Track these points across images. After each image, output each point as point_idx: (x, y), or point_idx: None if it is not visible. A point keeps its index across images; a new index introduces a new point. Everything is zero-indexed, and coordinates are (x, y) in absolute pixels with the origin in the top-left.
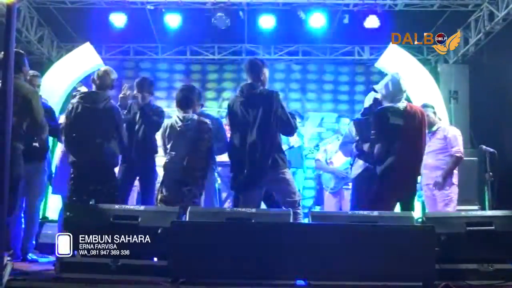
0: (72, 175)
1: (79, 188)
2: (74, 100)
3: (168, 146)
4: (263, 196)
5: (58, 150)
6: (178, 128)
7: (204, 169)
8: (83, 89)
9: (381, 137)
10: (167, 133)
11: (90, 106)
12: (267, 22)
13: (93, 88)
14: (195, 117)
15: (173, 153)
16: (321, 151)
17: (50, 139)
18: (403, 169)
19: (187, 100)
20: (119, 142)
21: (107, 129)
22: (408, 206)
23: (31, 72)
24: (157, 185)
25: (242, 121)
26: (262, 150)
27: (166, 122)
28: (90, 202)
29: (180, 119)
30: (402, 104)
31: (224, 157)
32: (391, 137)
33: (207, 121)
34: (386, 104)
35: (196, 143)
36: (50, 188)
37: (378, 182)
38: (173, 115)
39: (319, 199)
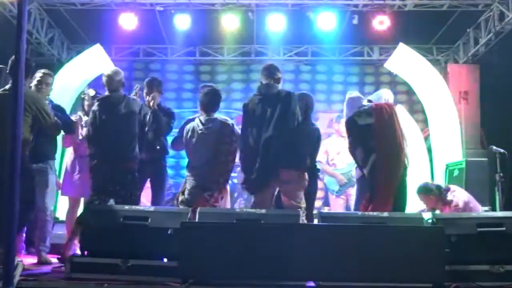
0: (93, 176)
1: (100, 189)
2: (95, 108)
3: (190, 149)
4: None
5: (67, 152)
6: (199, 131)
7: (227, 173)
8: (91, 92)
9: (357, 141)
10: (188, 136)
11: (112, 111)
12: (276, 23)
13: (106, 92)
14: (218, 119)
15: (194, 156)
16: (321, 152)
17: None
18: (385, 164)
19: (211, 103)
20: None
21: (130, 131)
22: (398, 202)
23: (43, 70)
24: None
25: (260, 118)
26: (278, 147)
27: (188, 125)
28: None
29: (201, 122)
30: (366, 106)
31: None
32: (366, 137)
33: (230, 123)
34: None
35: (218, 147)
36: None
37: (369, 182)
38: (196, 117)
39: (327, 200)
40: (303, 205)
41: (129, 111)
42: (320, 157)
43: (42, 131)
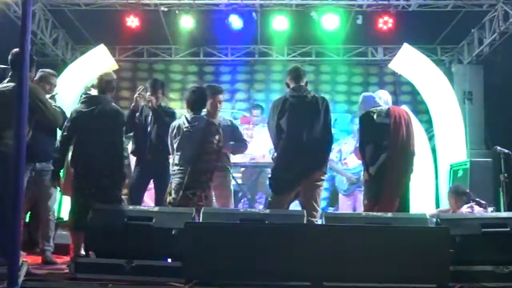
0: (74, 177)
1: (80, 189)
2: (77, 105)
3: (175, 147)
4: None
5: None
6: (185, 129)
7: (210, 172)
8: (93, 91)
9: (369, 138)
10: (173, 133)
11: (88, 110)
12: (280, 23)
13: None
14: (204, 117)
15: (179, 154)
16: (335, 151)
17: None
18: (395, 166)
19: (197, 101)
20: (121, 144)
21: (106, 132)
22: (403, 204)
23: (48, 70)
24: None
25: (300, 121)
26: (317, 149)
27: (174, 123)
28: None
29: (187, 120)
30: (384, 107)
31: (237, 158)
32: (380, 136)
33: (216, 122)
34: None
35: (203, 145)
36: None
37: (374, 182)
38: (182, 115)
39: (333, 200)
40: (319, 208)
41: (107, 111)
42: (333, 155)
43: (42, 126)
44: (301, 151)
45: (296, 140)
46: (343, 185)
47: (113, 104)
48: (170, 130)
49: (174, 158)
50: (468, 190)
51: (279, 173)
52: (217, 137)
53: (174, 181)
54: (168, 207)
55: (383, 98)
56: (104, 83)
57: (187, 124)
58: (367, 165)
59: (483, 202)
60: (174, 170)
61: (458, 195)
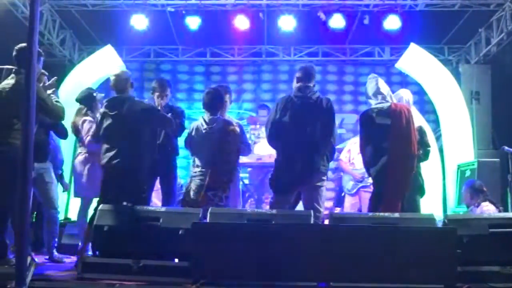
0: (103, 178)
1: (108, 190)
2: (102, 109)
3: (194, 149)
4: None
5: (79, 155)
6: (204, 131)
7: (230, 172)
8: (98, 96)
9: (370, 138)
10: (193, 135)
11: (116, 113)
12: (287, 23)
13: (115, 93)
14: (221, 118)
15: (199, 156)
16: (344, 151)
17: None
18: (397, 168)
19: (214, 102)
20: (152, 141)
21: (134, 132)
22: (409, 205)
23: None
24: (179, 186)
25: (301, 123)
26: (319, 150)
27: (192, 124)
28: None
29: (205, 122)
30: (386, 104)
31: (244, 158)
32: (380, 137)
33: (234, 123)
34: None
35: (221, 146)
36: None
37: (375, 184)
38: (199, 117)
39: (339, 201)
40: (321, 209)
41: (133, 111)
42: (343, 156)
43: (41, 125)
44: (301, 152)
45: (296, 141)
46: (348, 185)
47: (139, 100)
48: (188, 132)
49: (194, 160)
50: (485, 189)
51: (279, 174)
52: (235, 137)
53: (194, 182)
54: (185, 207)
55: (404, 98)
56: (124, 81)
57: (205, 126)
58: (368, 166)
59: (496, 203)
60: (195, 172)
61: (475, 192)
